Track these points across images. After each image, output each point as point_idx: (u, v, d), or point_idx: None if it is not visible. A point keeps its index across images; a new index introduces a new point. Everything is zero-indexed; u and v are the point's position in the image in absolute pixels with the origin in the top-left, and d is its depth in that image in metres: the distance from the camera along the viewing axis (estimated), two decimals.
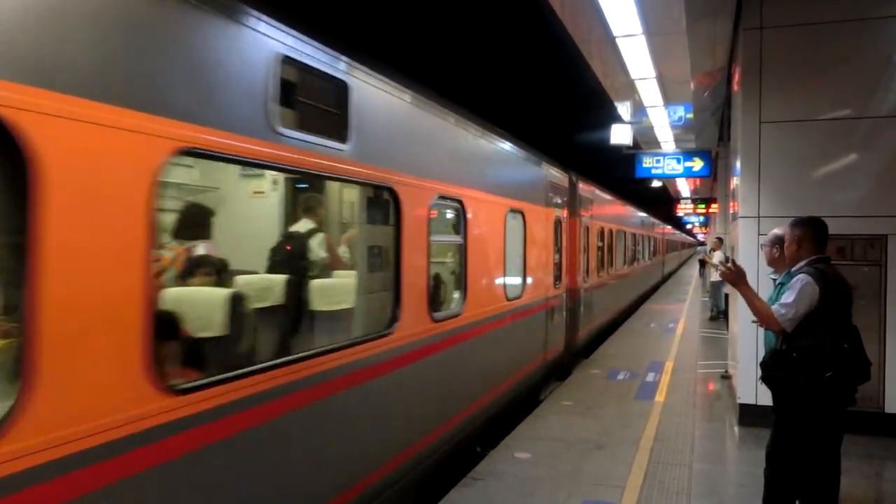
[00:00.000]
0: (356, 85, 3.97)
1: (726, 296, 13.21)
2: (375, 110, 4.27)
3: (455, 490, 5.13)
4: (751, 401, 6.70)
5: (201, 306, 3.57)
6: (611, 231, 13.69)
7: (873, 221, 6.49)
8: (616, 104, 11.30)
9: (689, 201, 28.36)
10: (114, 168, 2.40)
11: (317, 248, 4.63)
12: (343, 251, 4.91)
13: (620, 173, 16.92)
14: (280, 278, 4.36)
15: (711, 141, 14.44)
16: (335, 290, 4.57)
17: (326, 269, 4.69)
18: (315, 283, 4.55)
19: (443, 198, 5.27)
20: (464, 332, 5.66)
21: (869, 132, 6.57)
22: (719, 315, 15.16)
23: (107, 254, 2.38)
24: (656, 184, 20.42)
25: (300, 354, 3.57)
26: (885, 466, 5.87)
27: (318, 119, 3.68)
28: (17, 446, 2.08)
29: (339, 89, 3.85)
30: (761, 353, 4.47)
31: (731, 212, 9.12)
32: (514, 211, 7.09)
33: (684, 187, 24.72)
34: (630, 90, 10.25)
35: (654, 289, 25.15)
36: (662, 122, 12.14)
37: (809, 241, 4.09)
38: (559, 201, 9.31)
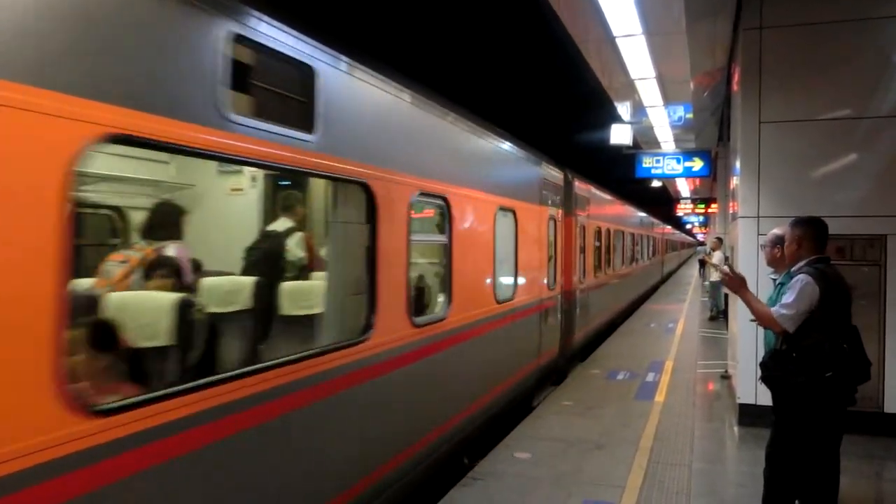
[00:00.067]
0: (324, 70, 3.63)
1: (726, 296, 13.22)
2: (347, 99, 3.93)
3: (455, 490, 5.13)
4: (750, 401, 6.70)
5: (145, 313, 3.27)
6: (608, 231, 13.53)
7: (873, 221, 6.49)
8: (616, 104, 11.30)
9: (689, 201, 28.42)
10: (17, 154, 2.09)
11: (294, 248, 4.42)
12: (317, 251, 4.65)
13: (620, 173, 16.94)
14: (248, 280, 4.09)
15: (711, 141, 14.45)
16: (307, 294, 4.26)
17: (305, 271, 4.47)
18: (285, 286, 4.25)
19: (425, 194, 4.98)
20: (449, 338, 5.35)
21: (869, 132, 6.58)
22: (719, 315, 15.17)
23: (6, 252, 2.07)
24: (656, 184, 20.43)
25: (254, 367, 3.19)
26: (885, 466, 5.87)
27: (279, 106, 3.34)
28: None
29: (305, 74, 3.51)
30: (761, 353, 4.47)
31: (731, 212, 9.12)
32: (504, 209, 6.83)
33: (684, 187, 24.75)
34: (630, 90, 10.25)
35: (654, 289, 25.10)
36: (662, 122, 12.15)
37: (809, 240, 4.09)
38: (554, 200, 9.09)
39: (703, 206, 27.41)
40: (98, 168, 4.27)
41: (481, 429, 6.26)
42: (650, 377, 9.30)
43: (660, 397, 8.12)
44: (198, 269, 4.18)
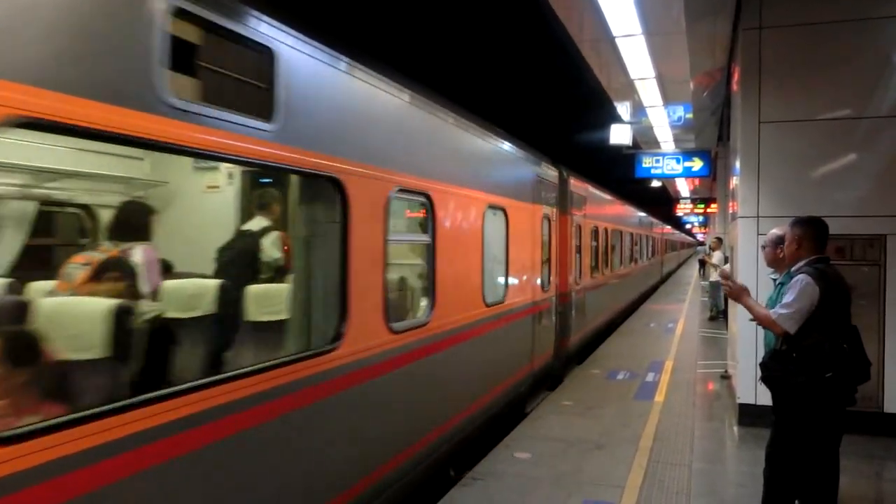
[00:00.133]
0: (287, 53, 3.32)
1: (726, 296, 13.20)
2: (315, 86, 3.60)
3: (455, 490, 5.13)
4: (750, 401, 6.71)
5: (77, 322, 2.92)
6: (606, 230, 13.38)
7: (872, 221, 6.50)
8: (615, 104, 11.31)
9: (689, 201, 28.45)
10: None
11: (269, 249, 4.17)
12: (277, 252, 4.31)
13: (620, 173, 16.96)
14: (212, 284, 3.78)
15: (711, 141, 14.47)
16: (274, 298, 3.93)
17: (280, 273, 4.22)
18: (251, 290, 3.93)
19: (405, 191, 4.65)
20: (431, 344, 5.02)
21: (868, 132, 6.58)
22: (719, 315, 15.17)
23: None
24: (656, 183, 20.44)
25: (200, 382, 2.84)
26: (885, 466, 5.87)
27: (231, 91, 3.02)
28: None
29: (263, 56, 3.20)
30: (761, 353, 4.48)
31: (731, 212, 9.12)
32: (494, 207, 6.53)
33: (684, 187, 24.78)
34: (629, 90, 10.26)
35: (653, 289, 25.08)
36: (662, 121, 12.16)
37: (809, 240, 4.09)
38: (548, 198, 8.83)
39: (702, 206, 27.46)
40: (64, 164, 4.11)
41: (470, 438, 5.97)
42: (650, 377, 9.30)
43: (660, 397, 8.12)
44: (168, 270, 3.99)
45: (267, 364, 3.21)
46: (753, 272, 6.57)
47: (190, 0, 2.71)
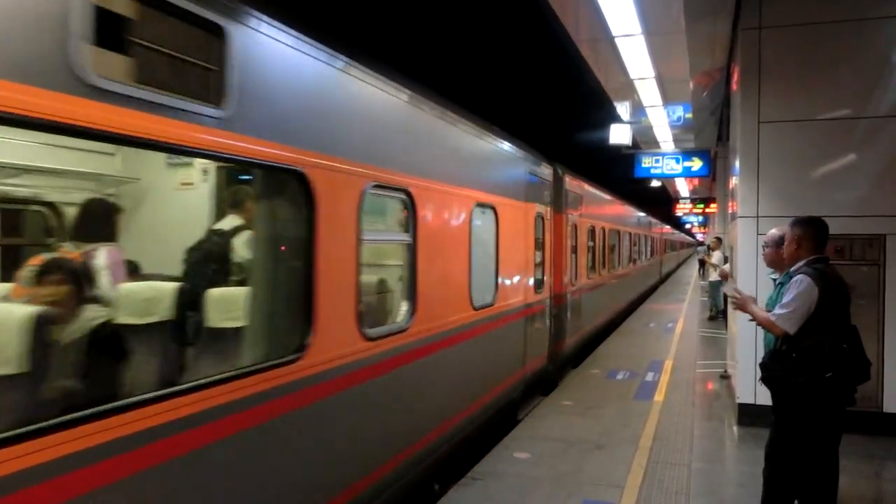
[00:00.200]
0: (241, 33, 3.01)
1: (725, 296, 13.22)
2: (276, 70, 3.30)
3: (455, 490, 5.13)
4: (750, 400, 6.71)
5: None
6: (603, 230, 13.20)
7: (872, 221, 6.50)
8: (615, 104, 11.31)
9: (688, 201, 28.46)
10: None
11: (241, 249, 3.89)
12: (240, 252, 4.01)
13: (620, 173, 16.95)
14: (169, 287, 3.45)
15: (710, 141, 14.48)
16: (237, 302, 3.59)
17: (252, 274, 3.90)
18: (213, 294, 3.60)
19: (381, 187, 4.32)
20: (412, 351, 4.72)
21: (868, 132, 6.59)
22: (718, 315, 15.18)
23: None
24: (655, 183, 20.44)
25: (137, 399, 2.53)
26: (884, 466, 5.87)
27: (171, 72, 2.69)
28: None
29: (213, 35, 2.88)
30: (760, 353, 4.48)
31: (730, 211, 9.13)
32: (482, 205, 6.19)
33: (683, 187, 24.78)
34: (629, 90, 10.26)
35: (652, 290, 25.06)
36: (661, 121, 12.17)
37: (809, 240, 4.09)
38: (542, 196, 8.51)
39: (702, 205, 27.46)
40: (28, 159, 3.92)
41: (456, 449, 5.67)
42: (650, 377, 9.30)
43: (659, 397, 8.13)
44: (135, 273, 3.76)
45: (216, 378, 2.89)
46: (753, 272, 6.57)
47: None
